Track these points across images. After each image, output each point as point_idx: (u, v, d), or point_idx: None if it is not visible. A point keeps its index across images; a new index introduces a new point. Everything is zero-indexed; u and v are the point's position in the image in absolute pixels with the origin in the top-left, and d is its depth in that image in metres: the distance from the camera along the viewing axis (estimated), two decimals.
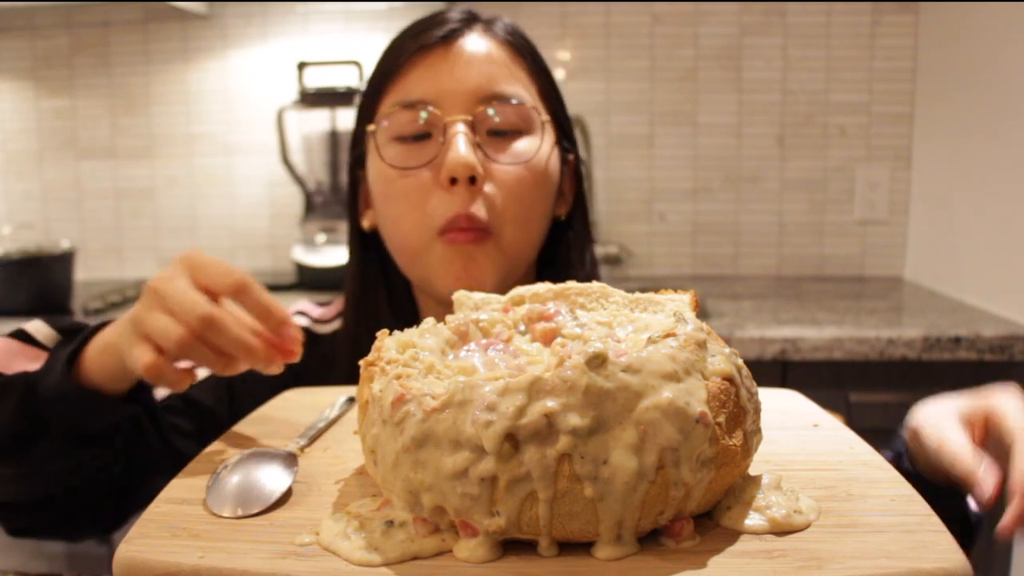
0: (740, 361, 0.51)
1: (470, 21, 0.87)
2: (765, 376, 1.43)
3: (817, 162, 2.18)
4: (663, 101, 2.18)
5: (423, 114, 0.83)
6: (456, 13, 0.88)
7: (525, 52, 0.88)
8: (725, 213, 2.21)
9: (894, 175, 2.17)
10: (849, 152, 2.17)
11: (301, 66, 2.04)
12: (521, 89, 0.86)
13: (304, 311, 1.01)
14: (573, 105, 2.38)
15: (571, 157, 0.93)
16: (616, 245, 2.19)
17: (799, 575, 0.42)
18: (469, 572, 0.44)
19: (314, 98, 2.04)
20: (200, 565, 0.44)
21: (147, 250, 2.39)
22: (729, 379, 0.48)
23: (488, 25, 0.88)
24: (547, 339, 0.56)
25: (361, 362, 0.53)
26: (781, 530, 0.46)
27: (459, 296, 0.60)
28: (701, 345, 0.48)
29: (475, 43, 0.85)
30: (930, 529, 0.45)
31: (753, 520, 0.47)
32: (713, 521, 0.48)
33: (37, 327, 0.76)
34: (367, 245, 0.94)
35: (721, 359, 0.49)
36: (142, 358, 0.60)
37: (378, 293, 0.93)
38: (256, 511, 0.48)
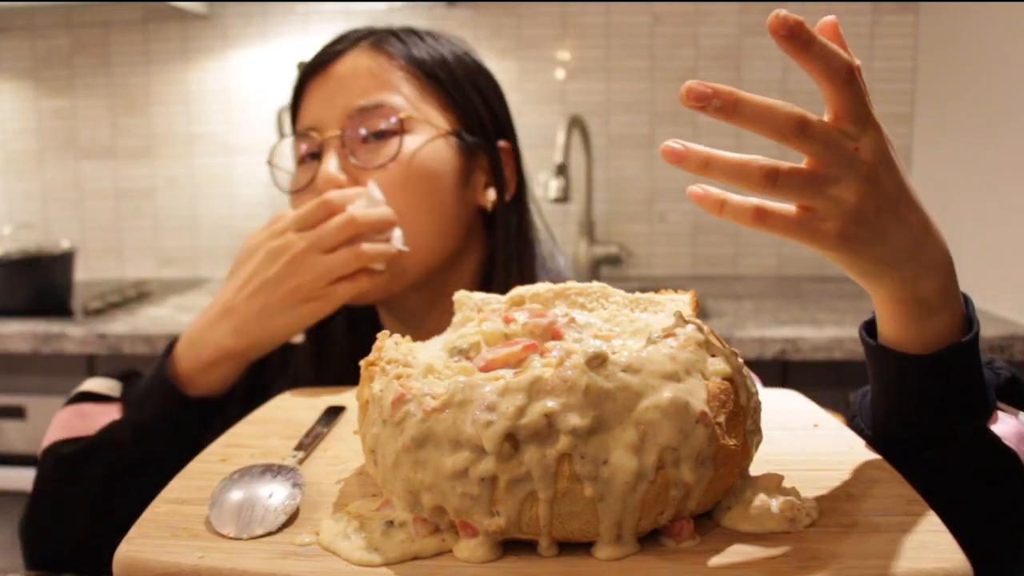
0: (740, 361, 0.51)
1: (359, 40, 0.91)
2: (765, 376, 1.43)
3: None
4: (663, 101, 2.18)
5: (308, 137, 0.89)
6: (352, 33, 0.92)
7: (410, 60, 0.90)
8: None
9: None
10: None
11: (301, 66, 2.04)
12: (391, 93, 0.87)
13: None
14: (573, 105, 2.39)
15: (500, 145, 0.94)
16: (616, 245, 2.19)
17: (799, 575, 0.42)
18: (469, 572, 0.44)
19: None
20: (200, 565, 0.44)
21: (147, 250, 2.39)
22: (729, 379, 0.48)
23: (379, 39, 0.90)
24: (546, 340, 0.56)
25: (361, 362, 0.53)
26: (781, 530, 0.46)
27: (459, 296, 0.60)
28: (701, 345, 0.49)
29: (351, 62, 0.89)
30: (930, 529, 0.45)
31: (753, 520, 0.47)
32: (713, 521, 0.48)
33: (97, 384, 0.86)
34: None
35: (721, 359, 0.49)
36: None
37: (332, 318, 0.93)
38: (260, 534, 0.47)
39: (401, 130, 0.86)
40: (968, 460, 0.57)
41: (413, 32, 0.93)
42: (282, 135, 2.07)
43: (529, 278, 0.93)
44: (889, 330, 0.57)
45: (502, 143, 0.94)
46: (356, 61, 0.89)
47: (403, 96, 0.88)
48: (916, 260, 0.53)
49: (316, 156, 0.89)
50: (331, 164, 0.85)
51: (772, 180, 0.46)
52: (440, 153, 0.88)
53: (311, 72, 0.91)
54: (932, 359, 0.55)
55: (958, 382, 0.57)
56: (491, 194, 0.93)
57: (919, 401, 0.57)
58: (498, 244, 0.93)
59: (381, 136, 0.86)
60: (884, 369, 0.59)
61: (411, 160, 0.86)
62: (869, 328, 0.60)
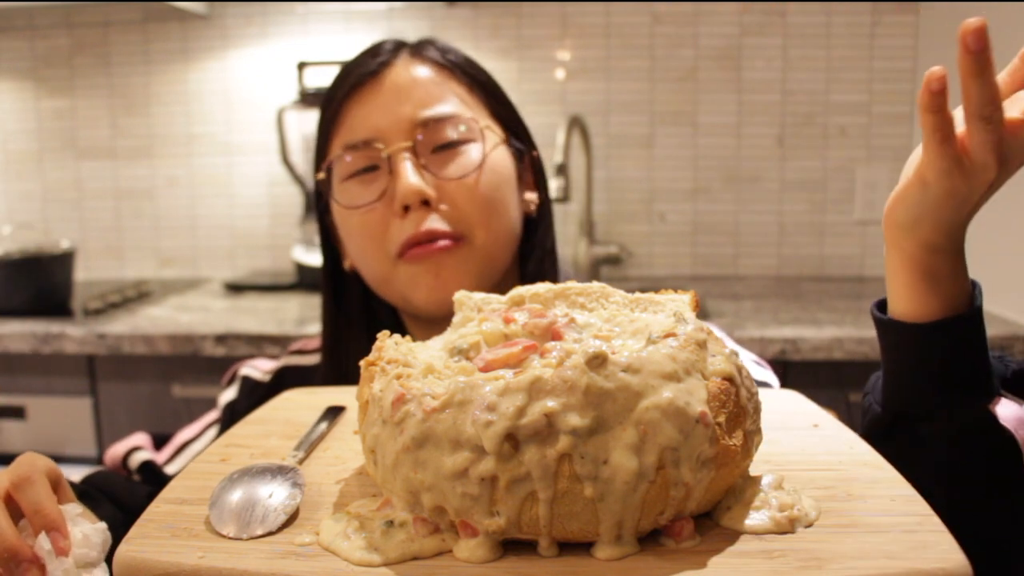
0: (740, 361, 0.51)
1: (397, 50, 0.90)
2: None
3: (817, 162, 2.18)
4: (663, 101, 2.18)
5: (369, 149, 0.85)
6: (387, 44, 0.90)
7: (456, 67, 0.90)
8: (725, 213, 2.21)
9: (894, 175, 2.16)
10: (849, 152, 2.17)
11: (301, 66, 2.04)
12: (455, 103, 0.87)
13: (255, 366, 1.04)
14: (573, 105, 2.38)
15: (533, 153, 0.95)
16: (616, 245, 2.19)
17: (799, 575, 0.42)
18: (469, 572, 0.44)
19: (314, 98, 2.03)
20: (200, 565, 0.44)
21: (147, 250, 2.39)
22: (729, 379, 0.48)
23: (417, 50, 0.90)
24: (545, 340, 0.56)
25: (361, 362, 0.53)
26: (781, 530, 0.46)
27: (459, 296, 0.60)
28: (701, 345, 0.49)
29: (403, 71, 0.88)
30: (930, 529, 0.45)
31: (753, 520, 0.47)
32: (713, 521, 0.48)
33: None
34: (340, 286, 0.96)
35: (721, 359, 0.49)
36: None
37: (352, 332, 0.94)
38: (260, 534, 0.48)
39: (471, 138, 0.87)
40: (966, 438, 0.60)
41: (431, 41, 0.92)
42: (283, 136, 2.07)
43: (558, 274, 0.95)
44: (897, 302, 0.62)
45: (534, 152, 0.96)
46: (409, 70, 0.87)
47: (464, 103, 0.88)
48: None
49: (371, 169, 0.86)
50: (412, 176, 0.83)
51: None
52: (504, 159, 0.90)
53: (356, 84, 0.88)
54: (929, 327, 0.60)
55: (956, 356, 0.60)
56: (533, 197, 0.95)
57: (917, 371, 0.61)
58: (537, 245, 0.94)
59: (451, 145, 0.86)
60: (889, 341, 0.63)
61: (487, 168, 0.86)
62: (880, 306, 0.64)
